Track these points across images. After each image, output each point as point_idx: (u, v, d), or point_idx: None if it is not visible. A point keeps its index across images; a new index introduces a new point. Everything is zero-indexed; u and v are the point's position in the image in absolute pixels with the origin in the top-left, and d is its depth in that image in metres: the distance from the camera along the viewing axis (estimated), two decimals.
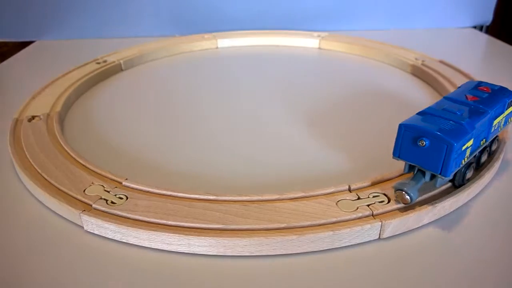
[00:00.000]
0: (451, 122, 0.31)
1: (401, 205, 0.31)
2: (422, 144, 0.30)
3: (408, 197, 0.30)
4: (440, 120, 0.31)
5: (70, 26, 0.81)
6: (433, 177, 0.31)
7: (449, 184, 0.34)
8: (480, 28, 0.92)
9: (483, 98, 0.34)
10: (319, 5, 0.83)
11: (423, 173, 0.31)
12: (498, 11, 0.89)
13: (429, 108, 0.33)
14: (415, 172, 0.32)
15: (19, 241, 0.31)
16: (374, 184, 0.34)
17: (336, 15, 0.84)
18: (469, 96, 0.35)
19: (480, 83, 0.37)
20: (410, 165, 0.32)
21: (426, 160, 0.30)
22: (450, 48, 0.74)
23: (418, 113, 0.32)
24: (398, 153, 0.32)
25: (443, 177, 0.30)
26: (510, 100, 0.35)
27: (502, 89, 0.36)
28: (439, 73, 0.57)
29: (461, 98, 0.35)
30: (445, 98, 0.35)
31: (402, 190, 0.31)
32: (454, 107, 0.33)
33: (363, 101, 0.53)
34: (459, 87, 0.38)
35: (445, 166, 0.29)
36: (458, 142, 0.29)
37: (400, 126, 0.31)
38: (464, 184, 0.34)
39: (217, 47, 0.75)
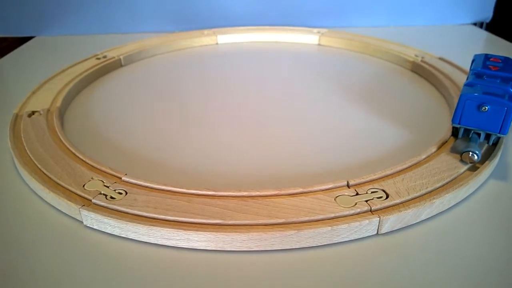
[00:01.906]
0: (499, 88, 0.36)
1: (398, 200, 0.31)
2: (485, 109, 0.35)
3: (475, 155, 0.35)
4: (490, 88, 0.36)
5: (70, 22, 0.81)
6: (486, 137, 0.37)
7: (447, 180, 0.34)
8: (480, 25, 0.92)
9: (501, 67, 0.40)
10: (319, 1, 0.83)
11: (478, 135, 0.37)
12: (498, 8, 0.89)
13: (472, 80, 0.38)
14: (470, 135, 0.38)
15: (18, 236, 0.31)
16: (373, 180, 0.34)
17: (336, 11, 0.84)
18: (491, 67, 0.40)
19: (488, 55, 0.43)
20: (465, 130, 0.38)
21: (486, 123, 0.36)
22: (450, 44, 0.74)
23: (467, 85, 0.37)
24: (458, 120, 0.37)
25: (501, 135, 0.36)
26: None
27: (507, 58, 0.42)
28: (438, 70, 0.57)
29: (487, 69, 0.39)
30: (473, 70, 0.40)
31: (469, 151, 0.35)
32: (490, 76, 0.38)
33: (363, 97, 0.53)
34: (474, 61, 0.43)
35: (504, 125, 0.35)
36: None
37: (462, 96, 0.36)
38: (498, 142, 0.39)
39: (217, 43, 0.75)
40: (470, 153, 0.35)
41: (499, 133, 0.36)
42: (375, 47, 0.68)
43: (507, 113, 0.34)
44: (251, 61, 0.67)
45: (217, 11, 0.82)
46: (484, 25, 0.92)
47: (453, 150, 0.37)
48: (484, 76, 0.38)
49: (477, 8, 0.87)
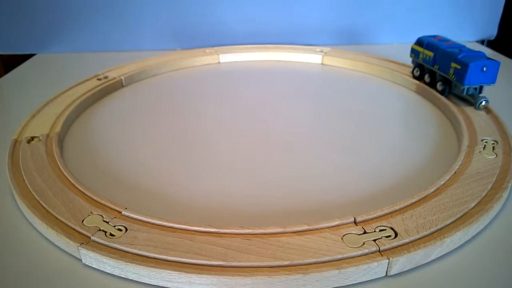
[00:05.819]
0: (479, 54, 0.51)
1: (407, 240, 0.30)
2: (486, 70, 0.49)
3: (485, 101, 0.50)
4: (475, 55, 0.51)
5: (71, 40, 0.80)
6: (480, 89, 0.52)
7: (457, 216, 0.33)
8: (482, 42, 0.91)
9: (452, 42, 0.56)
10: (322, 19, 0.83)
11: (475, 90, 0.52)
12: (501, 26, 0.88)
13: (462, 53, 0.51)
14: (471, 92, 0.52)
15: (16, 273, 0.30)
16: (380, 216, 0.33)
17: (339, 28, 0.84)
18: (447, 43, 0.56)
19: (433, 36, 0.59)
20: (467, 89, 0.51)
21: (485, 79, 0.50)
22: None
23: (462, 58, 0.51)
24: (468, 82, 0.50)
25: (492, 84, 0.51)
26: None
27: (439, 36, 0.59)
28: None
29: (449, 44, 0.55)
30: (449, 47, 0.54)
31: (483, 101, 0.50)
32: (462, 48, 0.54)
33: (368, 123, 0.52)
34: (427, 43, 0.58)
35: (495, 77, 0.51)
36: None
37: (471, 65, 0.49)
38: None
39: (219, 62, 0.74)
40: (484, 101, 0.50)
41: (491, 83, 0.50)
42: (379, 67, 0.67)
43: (497, 68, 0.50)
44: (253, 80, 0.66)
45: (219, 29, 0.81)
46: (486, 42, 0.92)
47: (468, 103, 0.52)
48: (460, 49, 0.53)
49: (482, 26, 0.87)
